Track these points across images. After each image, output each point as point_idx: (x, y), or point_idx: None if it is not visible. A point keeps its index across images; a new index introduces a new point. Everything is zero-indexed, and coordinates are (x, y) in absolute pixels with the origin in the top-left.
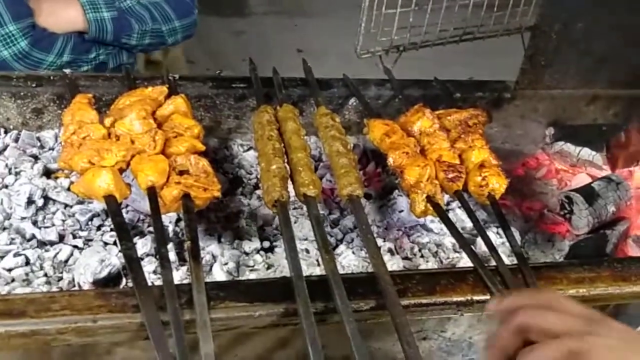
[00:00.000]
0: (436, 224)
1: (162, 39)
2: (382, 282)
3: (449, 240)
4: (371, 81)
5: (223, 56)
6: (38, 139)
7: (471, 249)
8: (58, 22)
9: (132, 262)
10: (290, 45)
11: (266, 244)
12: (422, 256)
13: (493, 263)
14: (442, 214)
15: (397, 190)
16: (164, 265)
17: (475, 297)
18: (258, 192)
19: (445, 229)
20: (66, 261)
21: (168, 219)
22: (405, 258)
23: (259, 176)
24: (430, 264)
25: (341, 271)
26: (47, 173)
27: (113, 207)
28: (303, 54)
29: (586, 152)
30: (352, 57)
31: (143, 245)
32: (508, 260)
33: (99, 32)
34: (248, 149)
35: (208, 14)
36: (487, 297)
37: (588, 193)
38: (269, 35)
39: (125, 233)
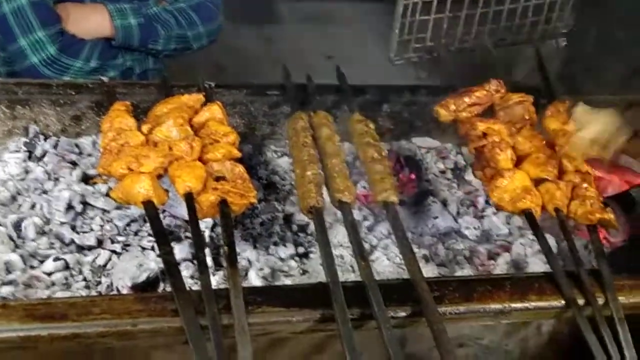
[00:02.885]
0: (471, 231)
1: (188, 44)
2: (419, 289)
3: (483, 247)
4: (404, 87)
5: (253, 63)
6: (77, 145)
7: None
8: (86, 29)
9: (171, 267)
10: (320, 51)
11: (301, 249)
12: (457, 263)
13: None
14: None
15: (431, 197)
16: (202, 270)
17: (513, 305)
18: (292, 198)
19: (479, 235)
20: (104, 265)
21: (204, 224)
22: (440, 264)
23: (293, 182)
24: (466, 271)
25: (376, 277)
26: (86, 179)
27: (151, 212)
28: (333, 60)
29: (624, 159)
30: (382, 63)
31: (180, 251)
32: (545, 267)
33: (126, 38)
34: (282, 155)
35: (238, 21)
36: (526, 304)
37: (625, 200)
38: (299, 42)
39: (164, 238)
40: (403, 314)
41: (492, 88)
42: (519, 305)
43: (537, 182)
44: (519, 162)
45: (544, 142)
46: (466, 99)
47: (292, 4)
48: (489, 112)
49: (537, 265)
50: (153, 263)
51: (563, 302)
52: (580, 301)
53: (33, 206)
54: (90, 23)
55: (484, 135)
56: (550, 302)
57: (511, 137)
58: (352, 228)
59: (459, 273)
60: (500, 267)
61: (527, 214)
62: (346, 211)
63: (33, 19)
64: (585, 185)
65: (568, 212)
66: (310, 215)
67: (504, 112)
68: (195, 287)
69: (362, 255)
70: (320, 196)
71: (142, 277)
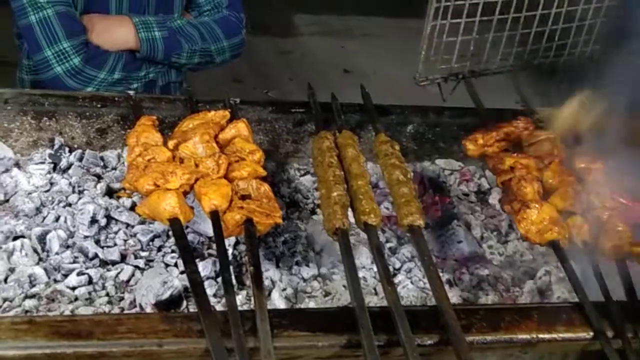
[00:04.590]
0: (495, 256)
1: (211, 58)
2: (446, 317)
3: (507, 273)
4: (428, 108)
5: (270, 75)
6: (101, 158)
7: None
8: (110, 40)
9: (197, 287)
10: (337, 65)
11: (323, 270)
12: (481, 289)
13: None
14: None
15: (455, 221)
16: (228, 290)
17: (541, 335)
18: (315, 217)
19: (503, 261)
20: (127, 281)
21: (227, 242)
22: (464, 290)
23: (315, 201)
24: (490, 297)
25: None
26: (110, 192)
27: (178, 230)
28: (350, 74)
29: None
30: (398, 78)
31: (204, 268)
32: (570, 295)
33: (150, 50)
34: (305, 174)
35: (255, 34)
36: (554, 335)
37: None
38: (316, 56)
39: (190, 256)
40: (430, 341)
41: (521, 125)
42: (546, 336)
43: (565, 215)
44: (547, 196)
45: (573, 177)
46: (494, 134)
47: (310, 18)
48: (517, 147)
49: (561, 292)
50: (177, 280)
51: (592, 333)
52: (609, 333)
53: (57, 219)
54: (116, 35)
55: (512, 169)
56: (579, 333)
57: (539, 172)
58: (378, 252)
59: (482, 299)
60: (525, 294)
61: (554, 245)
62: (372, 234)
63: (59, 29)
64: (614, 219)
65: (596, 246)
66: (336, 237)
67: (532, 148)
68: (219, 306)
69: (388, 280)
70: (345, 218)
71: (166, 295)
